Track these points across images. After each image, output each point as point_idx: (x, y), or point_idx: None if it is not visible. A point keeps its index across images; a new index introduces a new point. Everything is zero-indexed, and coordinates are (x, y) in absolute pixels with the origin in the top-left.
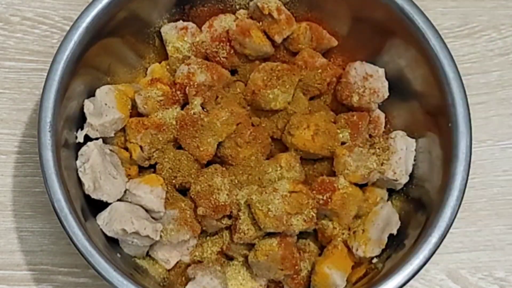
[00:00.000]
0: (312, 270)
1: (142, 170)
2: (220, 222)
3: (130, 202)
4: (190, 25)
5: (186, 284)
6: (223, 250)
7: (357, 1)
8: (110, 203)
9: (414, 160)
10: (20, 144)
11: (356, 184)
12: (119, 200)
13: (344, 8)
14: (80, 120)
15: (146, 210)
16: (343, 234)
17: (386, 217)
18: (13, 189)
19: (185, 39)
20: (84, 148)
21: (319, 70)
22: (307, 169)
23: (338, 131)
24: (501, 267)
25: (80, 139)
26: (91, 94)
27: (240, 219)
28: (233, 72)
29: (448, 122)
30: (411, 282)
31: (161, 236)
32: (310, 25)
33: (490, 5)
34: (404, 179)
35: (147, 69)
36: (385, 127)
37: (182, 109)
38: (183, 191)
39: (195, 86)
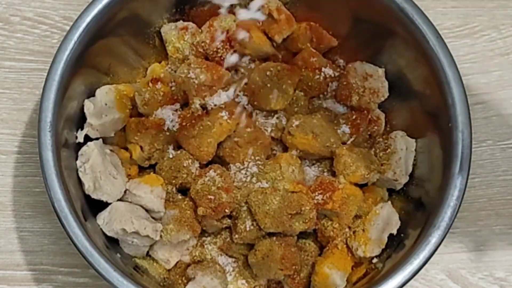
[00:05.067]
0: (312, 270)
1: (142, 170)
2: (220, 222)
3: (130, 202)
4: (190, 25)
5: (186, 284)
6: (223, 250)
7: (357, 1)
8: (110, 203)
9: (414, 160)
10: (20, 144)
11: (356, 184)
12: (119, 200)
13: (344, 8)
14: (80, 120)
15: (146, 210)
16: (343, 234)
17: (386, 217)
18: (13, 189)
19: (185, 39)
20: (84, 148)
21: (319, 70)
22: (307, 169)
23: (338, 131)
24: (501, 267)
25: (80, 139)
26: (91, 94)
27: (240, 219)
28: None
29: (448, 122)
30: (411, 282)
31: (161, 236)
32: (310, 25)
33: (490, 5)
34: (404, 179)
35: (147, 69)
36: (385, 127)
37: (182, 109)
38: (183, 191)
39: (195, 86)
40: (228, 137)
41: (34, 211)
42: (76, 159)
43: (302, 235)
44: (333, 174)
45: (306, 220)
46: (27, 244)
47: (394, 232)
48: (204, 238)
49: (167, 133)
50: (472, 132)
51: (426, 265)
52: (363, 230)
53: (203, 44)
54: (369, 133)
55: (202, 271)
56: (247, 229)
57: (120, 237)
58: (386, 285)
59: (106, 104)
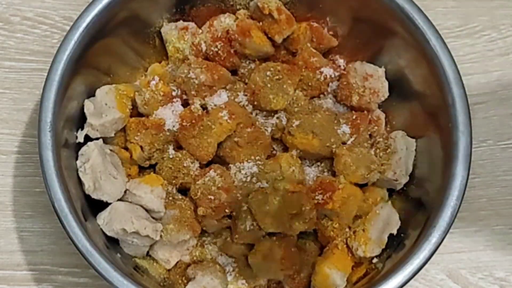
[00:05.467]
0: (312, 270)
1: (142, 170)
2: (220, 222)
3: (130, 202)
4: (191, 25)
5: (186, 284)
6: (223, 250)
7: (357, 1)
8: (110, 203)
9: (414, 160)
10: (20, 144)
11: (356, 184)
12: (119, 200)
13: (344, 8)
14: (80, 120)
15: (146, 210)
16: (343, 234)
17: (386, 217)
18: (13, 189)
19: (185, 39)
20: (84, 148)
21: (319, 70)
22: (307, 169)
23: (338, 131)
24: (501, 267)
25: (80, 139)
26: (91, 94)
27: (240, 219)
28: (233, 72)
29: (448, 122)
30: (411, 282)
31: (161, 236)
32: (310, 25)
33: (490, 5)
34: (404, 179)
35: (147, 69)
36: (385, 127)
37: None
38: (183, 191)
39: (195, 86)
40: (228, 137)
41: (34, 211)
42: (76, 159)
43: (302, 235)
44: (333, 174)
45: (306, 220)
46: (27, 244)
47: (394, 232)
48: (204, 238)
49: (167, 133)
50: (472, 132)
51: (426, 265)
52: (363, 230)
53: (203, 44)
54: (369, 133)
55: (202, 271)
56: (247, 229)
57: (120, 237)
58: (386, 285)
59: (106, 104)
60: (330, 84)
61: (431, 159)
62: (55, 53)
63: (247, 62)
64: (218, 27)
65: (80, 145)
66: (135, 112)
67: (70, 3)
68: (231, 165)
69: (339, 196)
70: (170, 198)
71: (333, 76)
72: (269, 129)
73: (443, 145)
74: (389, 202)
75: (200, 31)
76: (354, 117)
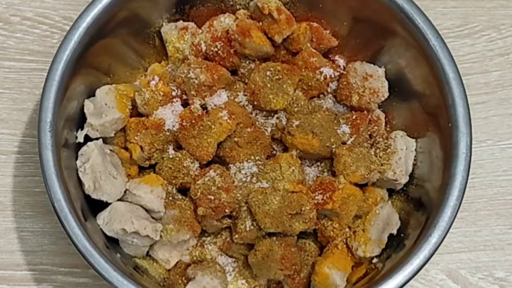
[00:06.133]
0: (312, 270)
1: (142, 170)
2: (220, 222)
3: (130, 202)
4: (190, 25)
5: (186, 284)
6: (223, 250)
7: (357, 1)
8: (110, 203)
9: (414, 160)
10: (20, 144)
11: (356, 184)
12: (119, 200)
13: (344, 8)
14: (80, 120)
15: (146, 210)
16: (343, 234)
17: (386, 217)
18: (13, 189)
19: (185, 39)
20: (84, 148)
21: (319, 70)
22: (307, 169)
23: (338, 131)
24: (501, 267)
25: (80, 139)
26: (91, 94)
27: (240, 219)
28: (233, 72)
29: (448, 122)
30: (411, 282)
31: (161, 236)
32: (310, 25)
33: (490, 5)
34: (404, 179)
35: (147, 69)
36: (385, 127)
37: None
38: (183, 191)
39: (195, 86)
40: (228, 137)
41: (34, 211)
42: (76, 159)
43: (302, 235)
44: (333, 174)
45: (306, 220)
46: (27, 244)
47: (394, 232)
48: (204, 238)
49: (167, 133)
50: (472, 132)
51: (426, 265)
52: (363, 230)
53: (203, 44)
54: (369, 133)
55: (202, 271)
56: (247, 229)
57: (120, 237)
58: (386, 285)
59: (106, 104)
60: (330, 84)
61: (431, 159)
62: (55, 53)
63: (247, 62)
64: (218, 27)
65: (80, 145)
66: (135, 112)
67: (70, 3)
68: (231, 165)
69: (339, 196)
70: (170, 198)
71: (333, 76)
72: (269, 129)
73: (443, 145)
74: (389, 202)
75: (200, 31)
76: (354, 117)
